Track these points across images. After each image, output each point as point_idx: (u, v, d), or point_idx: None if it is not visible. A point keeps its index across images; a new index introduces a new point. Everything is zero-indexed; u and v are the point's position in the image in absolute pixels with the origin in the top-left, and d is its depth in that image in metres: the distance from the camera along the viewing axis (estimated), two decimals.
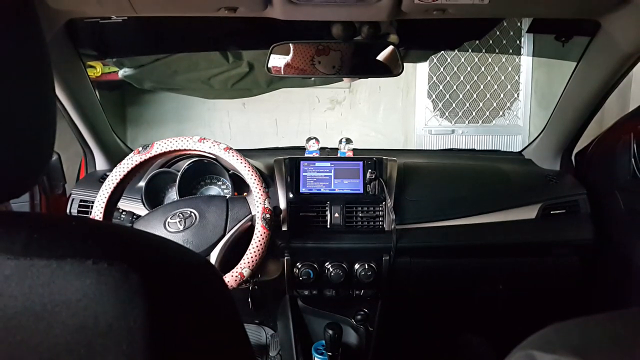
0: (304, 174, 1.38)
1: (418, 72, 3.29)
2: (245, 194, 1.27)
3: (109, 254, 0.36)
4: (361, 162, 1.39)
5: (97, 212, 1.15)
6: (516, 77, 3.32)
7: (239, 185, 1.35)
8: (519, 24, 2.99)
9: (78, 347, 0.33)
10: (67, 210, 1.42)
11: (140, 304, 0.35)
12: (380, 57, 1.30)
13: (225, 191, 1.41)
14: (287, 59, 1.28)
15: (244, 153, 1.20)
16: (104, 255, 0.35)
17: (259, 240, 1.12)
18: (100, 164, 1.56)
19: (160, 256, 0.41)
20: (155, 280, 0.37)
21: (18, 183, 0.41)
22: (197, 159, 1.36)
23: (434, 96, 3.32)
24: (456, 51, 3.15)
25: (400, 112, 3.60)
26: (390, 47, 1.26)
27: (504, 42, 3.04)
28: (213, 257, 1.13)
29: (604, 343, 0.37)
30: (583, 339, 0.37)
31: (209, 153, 1.19)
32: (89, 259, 0.35)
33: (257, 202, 1.15)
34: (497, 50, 3.08)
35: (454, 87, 3.31)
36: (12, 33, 0.38)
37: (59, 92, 1.31)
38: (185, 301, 0.40)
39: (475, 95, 3.32)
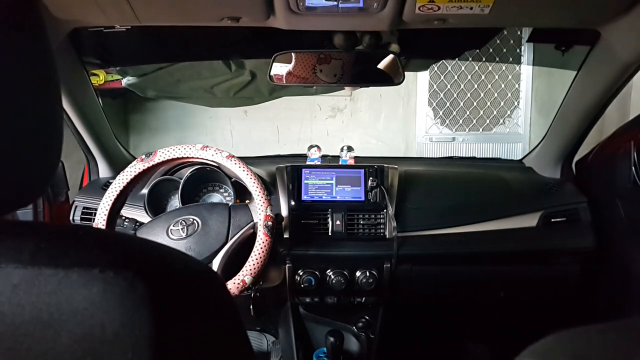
0: (305, 181, 1.38)
1: (419, 81, 3.31)
2: (247, 201, 1.27)
3: (115, 263, 0.36)
4: (362, 170, 1.39)
5: (100, 220, 1.16)
6: (516, 86, 3.34)
7: (241, 192, 1.36)
8: (519, 33, 3.01)
9: (84, 355, 0.34)
10: (70, 218, 1.42)
11: (146, 312, 0.35)
12: (382, 66, 1.31)
13: (228, 199, 1.42)
14: (289, 67, 1.29)
15: (246, 161, 1.21)
16: (111, 264, 0.36)
17: (261, 248, 1.13)
18: (103, 171, 1.56)
19: (165, 265, 0.42)
20: (160, 289, 0.37)
21: (25, 193, 0.42)
22: (199, 166, 1.36)
23: (434, 104, 3.33)
24: (457, 60, 3.17)
25: (401, 120, 3.61)
26: (391, 56, 1.27)
27: (505, 50, 3.06)
28: (215, 265, 1.13)
29: (604, 352, 0.37)
30: (583, 348, 0.37)
31: (212, 161, 1.19)
32: (96, 267, 0.35)
33: (259, 209, 1.15)
34: (497, 59, 3.10)
35: (455, 95, 3.32)
36: (20, 43, 0.38)
37: (62, 100, 1.32)
38: (189, 309, 0.40)
39: (475, 103, 3.34)
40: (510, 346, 0.54)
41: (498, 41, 3.00)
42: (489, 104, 3.35)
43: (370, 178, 1.36)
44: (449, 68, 3.28)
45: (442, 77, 3.30)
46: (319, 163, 1.46)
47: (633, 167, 1.29)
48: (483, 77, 3.31)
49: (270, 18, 1.04)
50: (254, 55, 1.89)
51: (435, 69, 3.27)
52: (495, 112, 3.37)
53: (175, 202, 1.40)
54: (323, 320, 1.46)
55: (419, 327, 1.73)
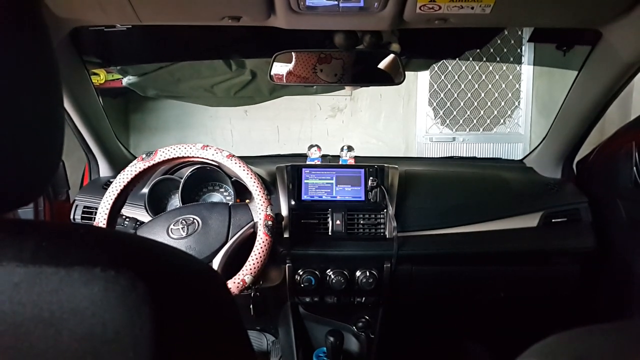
0: (305, 181, 1.38)
1: (419, 80, 3.31)
2: (247, 201, 1.27)
3: (117, 262, 0.36)
4: (363, 170, 1.39)
5: (100, 219, 1.16)
6: (517, 86, 3.34)
7: (241, 192, 1.36)
8: (520, 33, 3.01)
9: (85, 354, 0.34)
10: (71, 217, 1.42)
11: (147, 311, 0.35)
12: (382, 65, 1.31)
13: (228, 198, 1.42)
14: (290, 67, 1.29)
15: (246, 160, 1.21)
16: (112, 263, 0.36)
17: (261, 247, 1.13)
18: (104, 170, 1.56)
19: (166, 264, 0.42)
20: (161, 288, 0.37)
21: (26, 191, 0.42)
22: (199, 166, 1.36)
23: (435, 104, 3.33)
24: (457, 59, 3.17)
25: (401, 119, 3.61)
26: (392, 56, 1.27)
27: (505, 50, 3.06)
28: (215, 264, 1.13)
29: (605, 353, 0.37)
30: (585, 349, 0.37)
31: (212, 160, 1.19)
32: (97, 266, 0.35)
33: (259, 209, 1.15)
34: (498, 59, 3.10)
35: (455, 95, 3.32)
36: (21, 42, 0.38)
37: (63, 100, 1.32)
38: (190, 308, 0.40)
39: (476, 103, 3.34)
40: (510, 346, 0.54)
41: (499, 41, 3.00)
42: (489, 104, 3.35)
43: (371, 178, 1.35)
44: (450, 68, 3.28)
45: (443, 77, 3.30)
46: (319, 163, 1.46)
47: (634, 168, 1.29)
48: (484, 77, 3.31)
49: (270, 17, 1.04)
50: (255, 55, 1.89)
51: (436, 68, 3.27)
52: (495, 112, 3.37)
53: (175, 201, 1.40)
54: (323, 320, 1.46)
55: (419, 327, 1.73)
